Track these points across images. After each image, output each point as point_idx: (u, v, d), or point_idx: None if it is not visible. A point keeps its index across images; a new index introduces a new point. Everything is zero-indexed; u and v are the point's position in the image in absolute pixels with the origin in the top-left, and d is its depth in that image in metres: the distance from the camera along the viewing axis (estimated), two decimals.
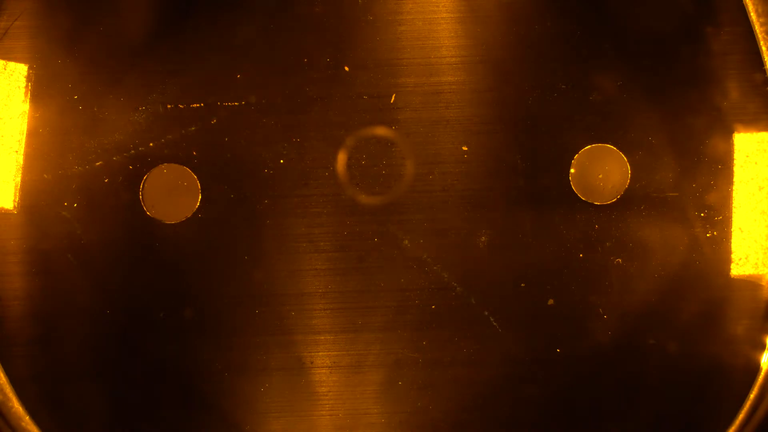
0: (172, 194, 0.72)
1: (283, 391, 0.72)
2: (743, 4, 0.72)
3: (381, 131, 0.72)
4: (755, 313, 0.73)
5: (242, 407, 0.72)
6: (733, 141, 0.73)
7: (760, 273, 0.73)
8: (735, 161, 0.73)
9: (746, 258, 0.73)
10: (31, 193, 0.71)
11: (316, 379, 0.73)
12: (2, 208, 0.71)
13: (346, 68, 0.72)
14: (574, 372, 0.73)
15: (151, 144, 0.72)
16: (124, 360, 0.71)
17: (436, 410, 0.73)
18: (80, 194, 0.71)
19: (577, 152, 0.73)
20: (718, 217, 0.73)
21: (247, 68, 0.72)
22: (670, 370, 0.72)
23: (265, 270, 0.72)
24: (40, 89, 0.71)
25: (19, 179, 0.71)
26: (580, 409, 0.73)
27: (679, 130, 0.73)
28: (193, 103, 0.72)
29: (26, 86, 0.71)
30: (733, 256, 0.73)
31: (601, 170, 0.73)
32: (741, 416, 0.72)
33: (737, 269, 0.73)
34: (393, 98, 0.73)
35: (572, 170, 0.73)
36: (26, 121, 0.71)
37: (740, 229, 0.73)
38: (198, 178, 0.72)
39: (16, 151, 0.71)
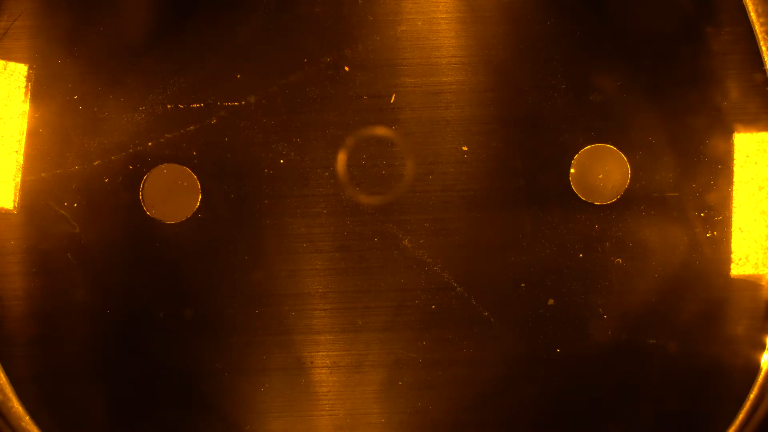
0: (172, 194, 0.71)
1: (283, 391, 0.72)
2: (743, 4, 0.72)
3: (381, 131, 0.72)
4: (755, 313, 0.73)
5: (242, 407, 0.72)
6: (733, 141, 0.73)
7: (760, 273, 0.73)
8: (735, 161, 0.73)
9: (746, 258, 0.73)
10: (31, 193, 0.71)
11: (316, 379, 0.73)
12: (2, 208, 0.71)
13: (346, 68, 0.72)
14: (574, 372, 0.73)
15: (150, 144, 0.72)
16: (124, 360, 0.71)
17: (436, 410, 0.73)
18: (80, 194, 0.71)
19: (577, 152, 0.73)
20: (718, 217, 0.73)
21: (247, 68, 0.72)
22: (670, 370, 0.72)
23: (265, 270, 0.72)
24: (40, 89, 0.71)
25: (19, 179, 0.71)
26: (580, 409, 0.73)
27: (679, 130, 0.73)
28: (193, 103, 0.72)
29: (26, 86, 0.71)
30: (733, 256, 0.73)
31: (601, 170, 0.73)
32: (741, 416, 0.72)
33: (737, 269, 0.73)
34: (393, 98, 0.73)
35: (572, 170, 0.73)
36: (26, 121, 0.71)
37: (740, 229, 0.73)
38: (198, 178, 0.72)
39: (16, 151, 0.71)
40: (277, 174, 0.72)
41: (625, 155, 0.73)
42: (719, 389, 0.72)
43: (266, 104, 0.72)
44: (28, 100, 0.71)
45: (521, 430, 0.73)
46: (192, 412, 0.72)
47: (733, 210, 0.73)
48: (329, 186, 0.73)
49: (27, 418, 0.70)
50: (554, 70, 0.73)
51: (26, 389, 0.71)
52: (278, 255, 0.72)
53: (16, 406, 0.70)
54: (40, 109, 0.71)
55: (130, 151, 0.72)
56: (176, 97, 0.72)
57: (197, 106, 0.72)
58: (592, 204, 0.73)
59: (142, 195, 0.71)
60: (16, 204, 0.71)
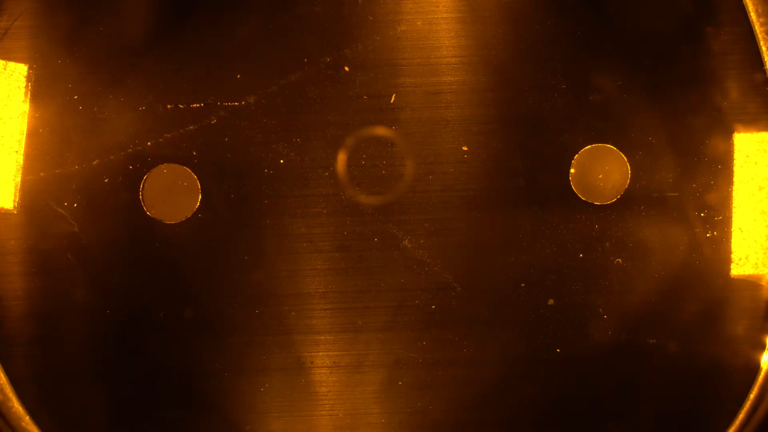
0: (172, 194, 0.71)
1: (283, 391, 0.72)
2: (743, 4, 0.72)
3: (381, 131, 0.72)
4: (755, 313, 0.73)
5: (242, 407, 0.72)
6: (733, 141, 0.73)
7: (760, 273, 0.73)
8: (735, 161, 0.73)
9: (746, 258, 0.73)
10: (31, 193, 0.71)
11: (316, 379, 0.73)
12: (2, 208, 0.71)
13: (346, 68, 0.72)
14: (574, 372, 0.73)
15: (150, 144, 0.72)
16: (124, 360, 0.71)
17: (436, 410, 0.73)
18: (80, 194, 0.71)
19: (577, 152, 0.73)
20: (718, 217, 0.73)
21: (247, 68, 0.72)
22: (670, 370, 0.72)
23: (265, 270, 0.72)
24: (40, 89, 0.71)
25: (19, 179, 0.71)
26: (580, 409, 0.73)
27: (679, 130, 0.73)
28: (193, 103, 0.72)
29: (26, 86, 0.71)
30: (733, 256, 0.73)
31: (601, 170, 0.73)
32: (741, 416, 0.72)
33: (737, 269, 0.73)
34: (393, 98, 0.73)
35: (572, 170, 0.72)
36: (26, 121, 0.71)
37: (740, 229, 0.73)
38: (198, 178, 0.72)
39: (16, 151, 0.71)
40: (277, 174, 0.72)
41: (625, 155, 0.73)
42: (719, 389, 0.72)
43: (266, 104, 0.72)
44: (28, 100, 0.71)
45: (521, 430, 0.73)
46: (192, 412, 0.72)
47: (733, 210, 0.73)
48: (329, 186, 0.72)
49: (27, 418, 0.70)
50: (554, 70, 0.73)
51: (26, 389, 0.71)
52: (278, 255, 0.72)
53: (16, 406, 0.70)
54: (40, 109, 0.71)
55: (130, 150, 0.72)
56: (176, 97, 0.72)
57: (197, 106, 0.72)
58: (592, 204, 0.73)
59: (142, 195, 0.71)
60: (16, 204, 0.71)
